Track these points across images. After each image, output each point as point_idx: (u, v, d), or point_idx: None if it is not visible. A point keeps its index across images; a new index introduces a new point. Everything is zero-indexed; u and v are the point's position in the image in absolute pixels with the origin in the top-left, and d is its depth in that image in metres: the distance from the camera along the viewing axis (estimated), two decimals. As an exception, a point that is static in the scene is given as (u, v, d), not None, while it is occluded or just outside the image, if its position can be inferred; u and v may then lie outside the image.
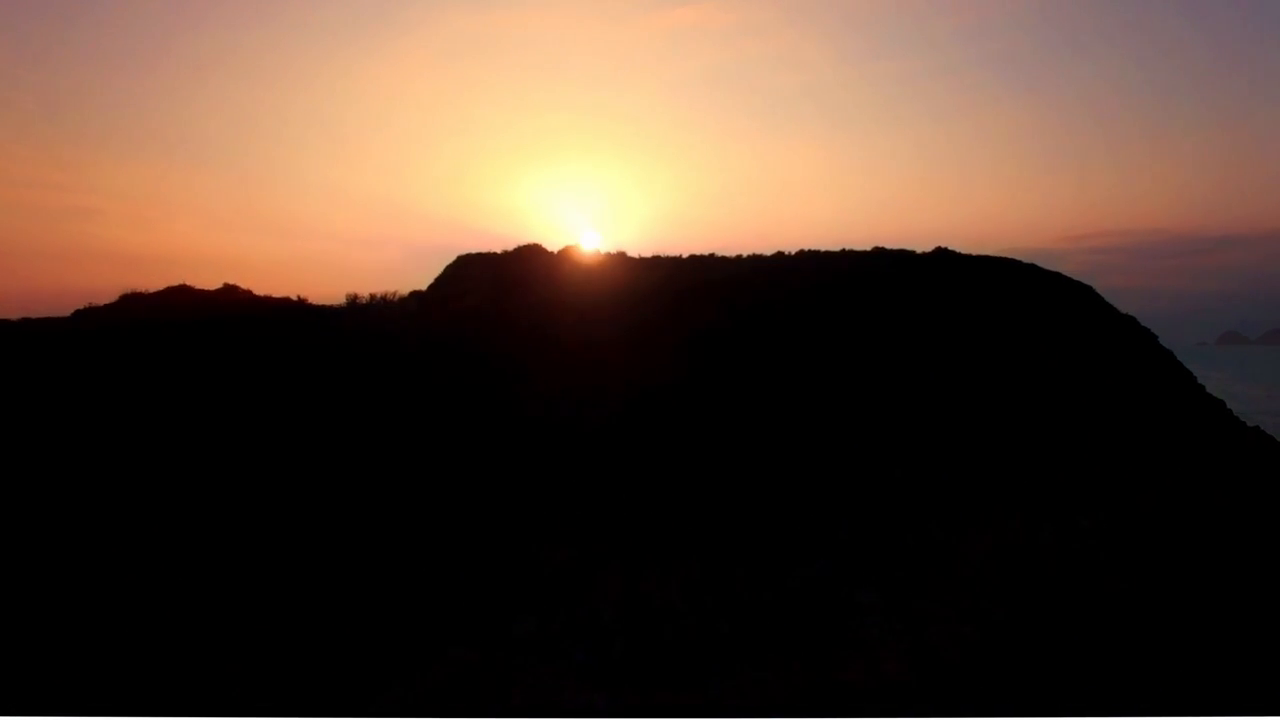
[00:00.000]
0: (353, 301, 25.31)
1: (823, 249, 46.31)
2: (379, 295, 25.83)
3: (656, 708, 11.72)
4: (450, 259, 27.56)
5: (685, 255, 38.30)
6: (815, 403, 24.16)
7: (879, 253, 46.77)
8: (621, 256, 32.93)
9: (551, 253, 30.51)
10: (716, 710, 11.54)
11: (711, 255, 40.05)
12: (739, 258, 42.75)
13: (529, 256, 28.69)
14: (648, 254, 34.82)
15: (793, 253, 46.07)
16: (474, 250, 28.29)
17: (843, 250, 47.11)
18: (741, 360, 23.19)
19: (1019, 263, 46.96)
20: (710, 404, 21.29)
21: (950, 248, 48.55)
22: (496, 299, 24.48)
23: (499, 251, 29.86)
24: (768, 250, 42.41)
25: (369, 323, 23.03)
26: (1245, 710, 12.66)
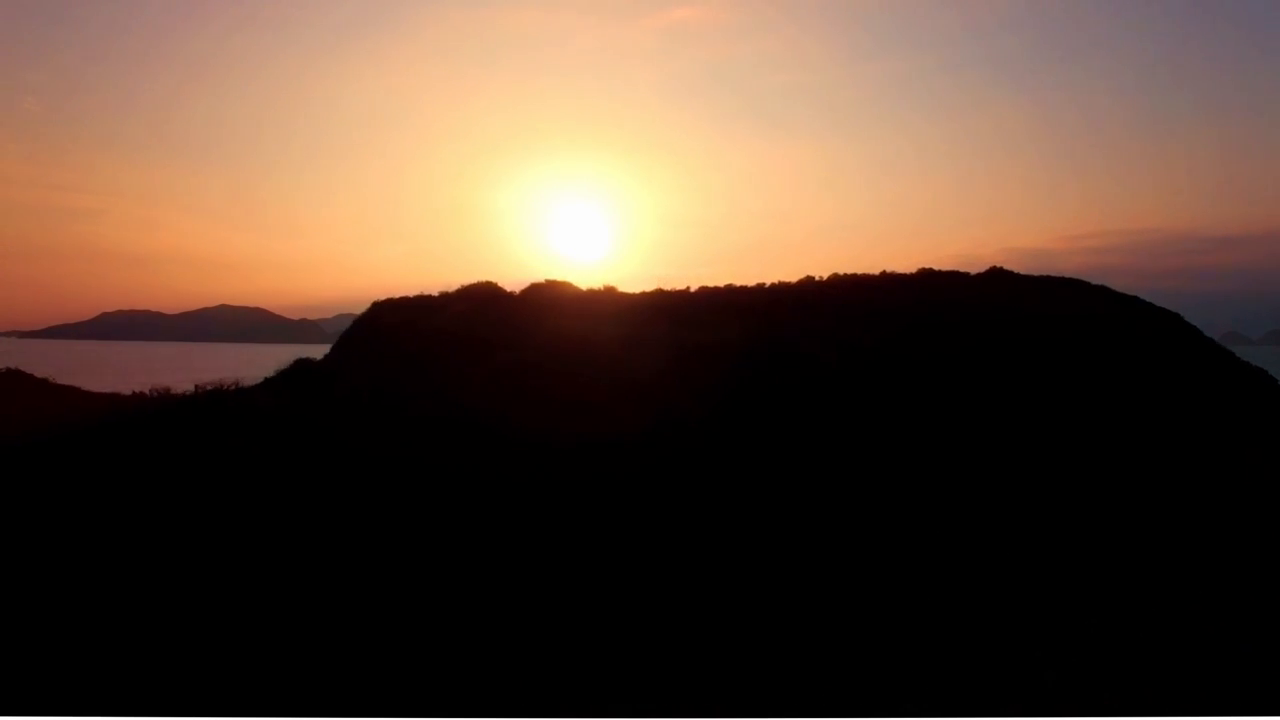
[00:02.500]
0: (156, 394, 16.21)
1: (859, 272, 37.91)
2: (221, 385, 16.84)
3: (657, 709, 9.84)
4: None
5: (694, 289, 29.62)
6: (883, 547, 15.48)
7: (927, 276, 38.06)
8: (610, 294, 24.11)
9: (512, 294, 21.64)
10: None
11: (728, 287, 31.32)
12: (760, 287, 34.03)
13: (477, 306, 19.78)
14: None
15: (823, 278, 37.36)
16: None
17: (883, 274, 38.31)
18: (784, 475, 14.66)
19: (1087, 284, 38.99)
20: (740, 553, 12.71)
21: (1004, 267, 40.98)
22: (407, 384, 15.78)
23: (436, 294, 20.98)
24: (789, 270, 33.62)
25: (180, 444, 14.26)
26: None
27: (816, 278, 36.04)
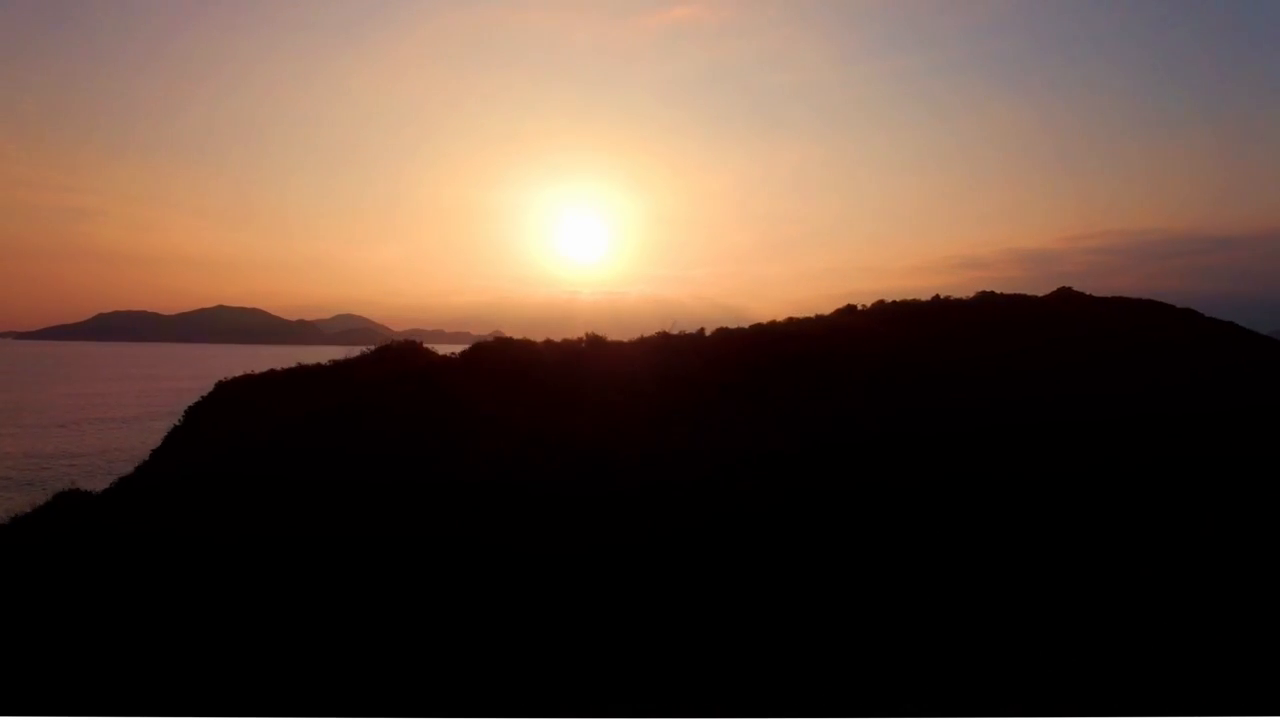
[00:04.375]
0: None
1: (905, 299, 31.39)
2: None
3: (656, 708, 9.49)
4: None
5: (708, 332, 22.38)
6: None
7: (987, 299, 31.71)
8: (594, 352, 16.99)
9: (448, 361, 14.52)
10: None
11: (754, 327, 23.91)
12: (790, 323, 26.89)
13: (385, 385, 12.72)
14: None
15: (866, 306, 30.55)
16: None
17: (935, 299, 31.95)
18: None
19: (1172, 308, 33.51)
20: None
21: (1072, 287, 35.55)
22: (250, 537, 8.77)
23: (326, 362, 13.94)
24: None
25: None
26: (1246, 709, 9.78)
27: (859, 307, 29.33)
